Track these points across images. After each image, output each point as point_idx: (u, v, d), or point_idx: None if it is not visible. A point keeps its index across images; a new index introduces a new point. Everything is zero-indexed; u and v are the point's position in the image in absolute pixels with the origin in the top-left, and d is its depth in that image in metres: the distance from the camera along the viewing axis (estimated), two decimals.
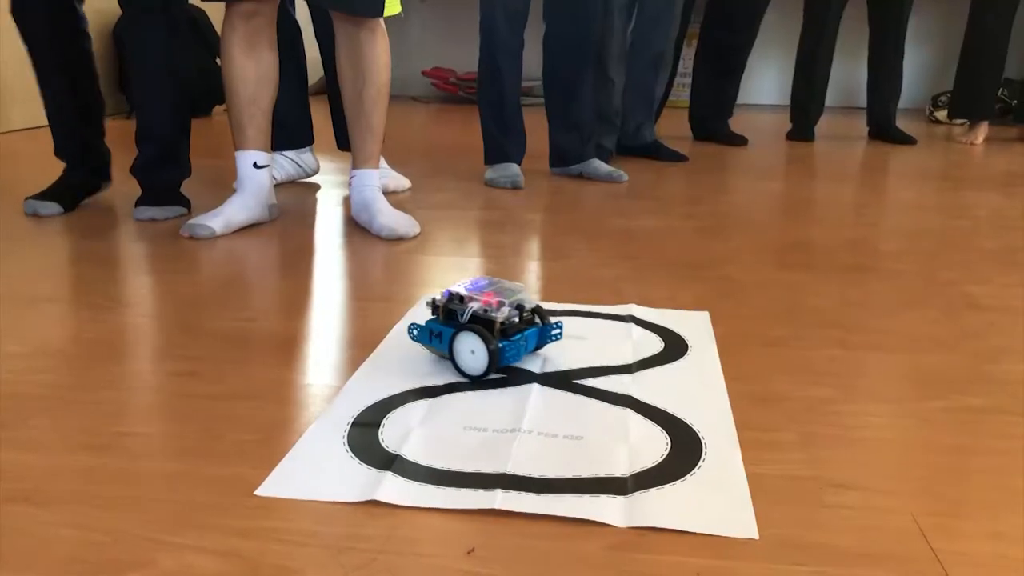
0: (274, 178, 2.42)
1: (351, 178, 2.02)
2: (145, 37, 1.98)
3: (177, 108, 2.06)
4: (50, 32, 2.04)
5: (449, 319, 1.12)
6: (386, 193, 2.25)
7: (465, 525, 0.78)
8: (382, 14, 1.96)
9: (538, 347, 1.18)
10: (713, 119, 3.62)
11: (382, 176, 2.15)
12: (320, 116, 2.59)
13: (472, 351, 1.08)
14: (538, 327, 1.16)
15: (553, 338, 1.17)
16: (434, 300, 1.15)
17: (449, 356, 1.11)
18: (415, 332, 1.16)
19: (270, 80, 1.94)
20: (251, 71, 1.90)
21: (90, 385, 1.09)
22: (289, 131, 2.51)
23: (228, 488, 0.84)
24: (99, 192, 2.21)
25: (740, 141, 3.54)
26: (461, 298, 1.13)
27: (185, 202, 2.09)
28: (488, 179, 2.56)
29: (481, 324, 1.09)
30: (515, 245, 1.85)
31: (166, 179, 2.07)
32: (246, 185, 1.95)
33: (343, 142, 2.44)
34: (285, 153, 2.53)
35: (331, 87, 2.31)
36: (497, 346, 1.07)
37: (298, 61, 2.49)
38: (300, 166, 2.56)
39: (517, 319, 1.12)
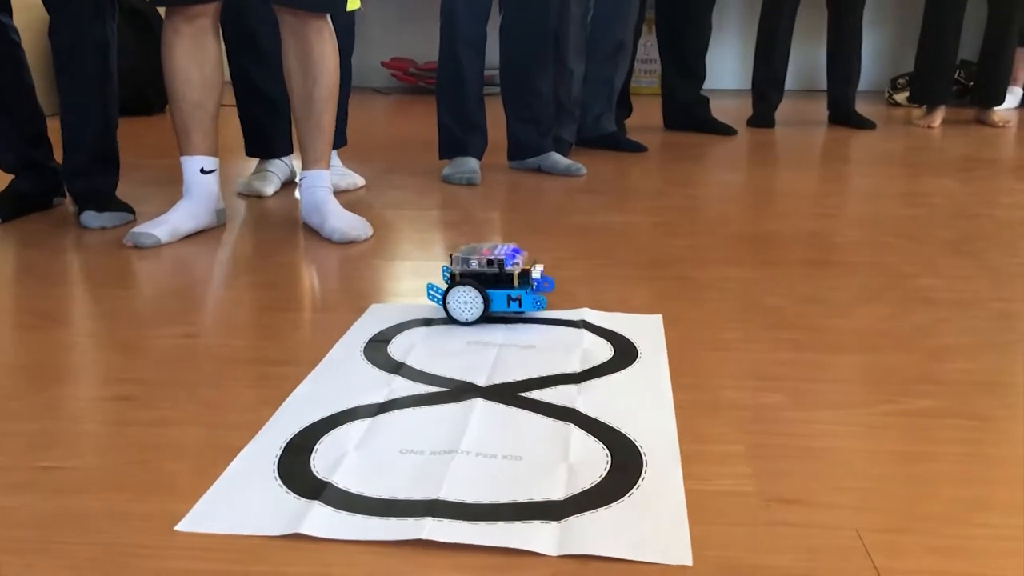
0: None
1: (300, 179, 1.98)
2: (72, 43, 1.89)
3: (103, 110, 1.97)
4: None
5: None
6: (338, 193, 2.20)
7: (399, 559, 0.76)
8: (344, 10, 1.92)
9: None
10: (695, 108, 3.56)
11: (333, 175, 2.11)
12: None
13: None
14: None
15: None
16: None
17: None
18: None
19: (216, 83, 1.88)
20: (196, 75, 1.84)
21: (14, 415, 1.04)
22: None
23: (154, 525, 0.81)
24: (51, 208, 2.12)
25: (729, 131, 3.45)
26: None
27: (130, 208, 2.04)
28: (444, 175, 2.52)
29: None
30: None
31: (106, 183, 2.01)
32: (193, 191, 1.90)
33: None
34: (283, 159, 2.48)
35: None
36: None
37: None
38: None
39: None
